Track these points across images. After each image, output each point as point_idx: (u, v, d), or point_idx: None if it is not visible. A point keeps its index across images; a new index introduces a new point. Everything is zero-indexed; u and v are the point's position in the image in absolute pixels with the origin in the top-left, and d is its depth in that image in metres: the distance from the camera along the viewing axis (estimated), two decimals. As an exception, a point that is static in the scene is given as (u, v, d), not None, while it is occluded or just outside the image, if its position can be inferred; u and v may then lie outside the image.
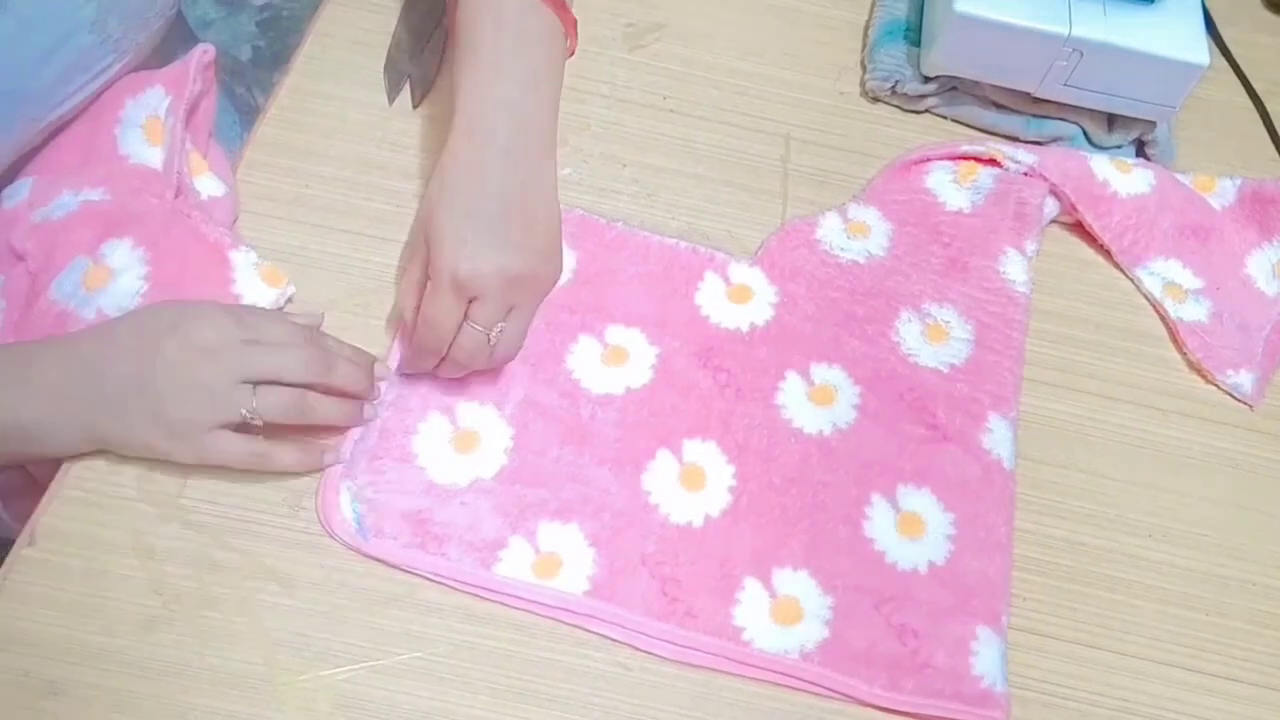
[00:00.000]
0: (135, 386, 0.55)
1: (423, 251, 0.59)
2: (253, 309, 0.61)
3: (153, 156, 0.65)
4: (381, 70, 0.76)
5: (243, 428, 0.56)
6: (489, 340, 0.59)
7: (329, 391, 0.59)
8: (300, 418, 0.58)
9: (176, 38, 0.77)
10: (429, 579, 0.58)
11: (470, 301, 0.58)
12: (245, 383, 0.56)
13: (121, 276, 0.61)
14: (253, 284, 0.63)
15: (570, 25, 0.64)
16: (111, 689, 0.54)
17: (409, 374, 0.63)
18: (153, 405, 0.55)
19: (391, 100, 0.75)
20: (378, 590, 0.58)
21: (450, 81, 0.63)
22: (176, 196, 0.64)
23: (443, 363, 0.61)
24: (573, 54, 0.66)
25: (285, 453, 0.58)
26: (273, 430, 0.57)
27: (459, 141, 0.60)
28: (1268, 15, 0.93)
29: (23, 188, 0.65)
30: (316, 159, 0.71)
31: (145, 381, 0.55)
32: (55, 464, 0.59)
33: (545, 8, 0.62)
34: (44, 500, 0.58)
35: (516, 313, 0.60)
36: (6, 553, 0.57)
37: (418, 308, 0.60)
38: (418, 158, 0.72)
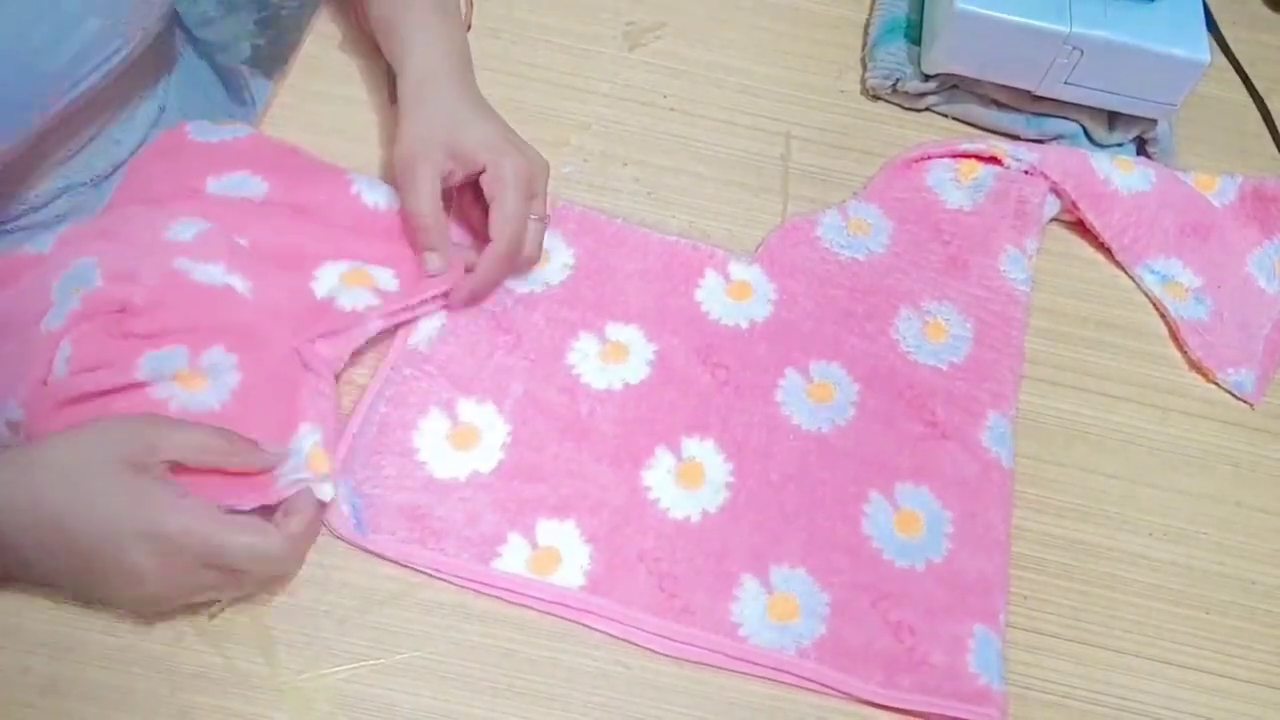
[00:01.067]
0: (90, 577, 0.52)
1: (435, 171, 0.63)
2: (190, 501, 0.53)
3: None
4: (381, 70, 0.76)
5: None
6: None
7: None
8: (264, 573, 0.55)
9: (168, 31, 0.77)
10: (427, 575, 0.58)
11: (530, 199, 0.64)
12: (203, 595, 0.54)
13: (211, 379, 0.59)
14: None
15: None
16: (111, 687, 0.54)
17: (473, 299, 0.65)
18: (106, 596, 0.54)
19: (392, 100, 0.75)
20: (378, 589, 0.58)
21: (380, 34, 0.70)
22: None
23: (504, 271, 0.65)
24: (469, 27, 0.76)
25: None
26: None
27: (431, 65, 0.67)
28: (1268, 13, 0.93)
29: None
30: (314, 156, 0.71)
31: (95, 581, 0.53)
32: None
33: None
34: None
35: (544, 200, 0.66)
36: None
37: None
38: (418, 156, 0.72)
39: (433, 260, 0.64)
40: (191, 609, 0.55)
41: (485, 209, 0.64)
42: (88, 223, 0.63)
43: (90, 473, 0.51)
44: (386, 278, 0.65)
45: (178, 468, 0.53)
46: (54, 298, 0.59)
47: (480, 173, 0.64)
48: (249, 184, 0.66)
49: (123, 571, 0.51)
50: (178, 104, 0.78)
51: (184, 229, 0.61)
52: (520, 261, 0.65)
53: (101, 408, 0.56)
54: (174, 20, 0.79)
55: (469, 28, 0.76)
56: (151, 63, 0.75)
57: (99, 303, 0.58)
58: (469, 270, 0.64)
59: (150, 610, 0.54)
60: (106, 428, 0.54)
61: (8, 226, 0.70)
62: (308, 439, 0.58)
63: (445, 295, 0.65)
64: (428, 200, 0.63)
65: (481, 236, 0.66)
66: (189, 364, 0.58)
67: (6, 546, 0.51)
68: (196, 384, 0.58)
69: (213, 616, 0.55)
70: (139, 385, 0.57)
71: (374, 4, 0.71)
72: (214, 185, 0.66)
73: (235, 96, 0.87)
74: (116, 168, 0.73)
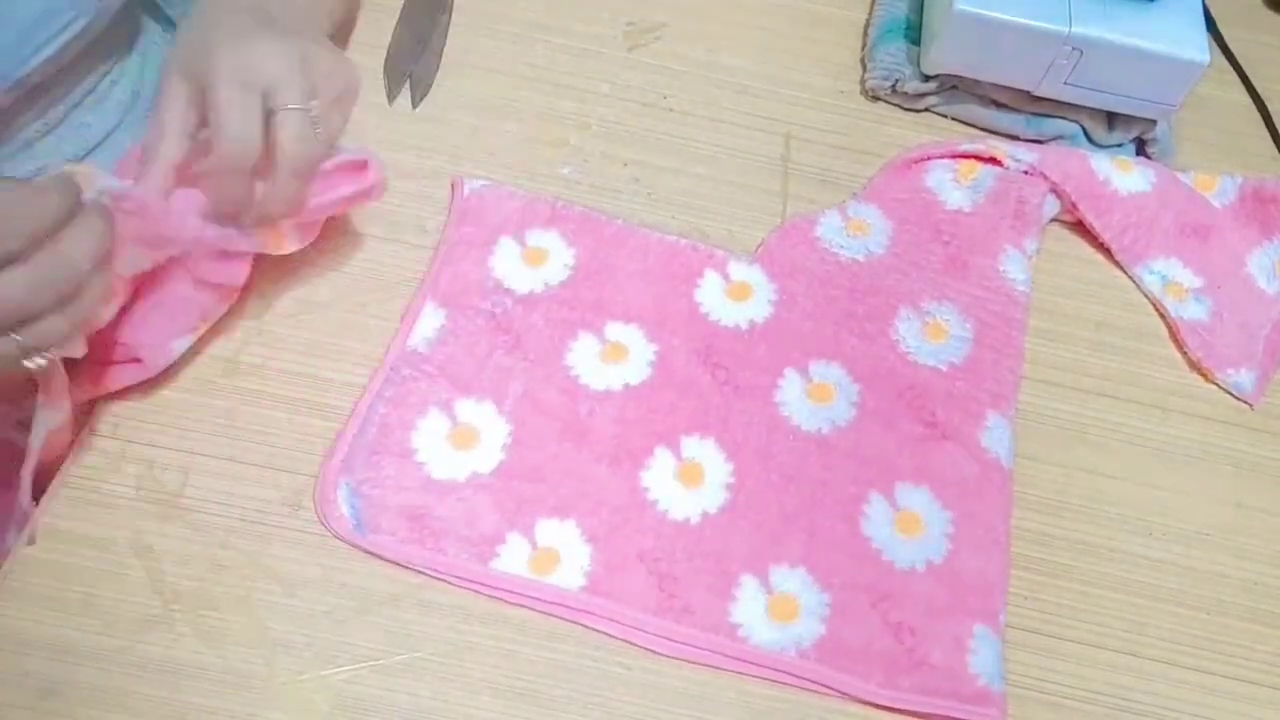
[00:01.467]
0: None
1: (183, 97, 0.55)
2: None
3: None
4: (381, 70, 0.76)
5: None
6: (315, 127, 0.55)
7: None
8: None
9: (133, 10, 0.76)
10: (427, 575, 0.58)
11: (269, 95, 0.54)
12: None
13: None
14: None
15: None
16: (111, 689, 0.54)
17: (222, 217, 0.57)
18: None
19: (391, 100, 0.75)
20: (378, 590, 0.58)
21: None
22: None
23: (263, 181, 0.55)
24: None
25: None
26: None
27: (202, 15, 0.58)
28: (1268, 14, 0.93)
29: None
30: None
31: None
32: (51, 462, 0.59)
33: None
34: (44, 499, 0.58)
35: (302, 93, 0.55)
36: (7, 553, 0.57)
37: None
38: (417, 157, 0.72)
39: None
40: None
41: None
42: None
43: None
44: None
45: None
46: None
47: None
48: None
49: None
50: (154, 89, 0.77)
51: None
52: (284, 163, 0.55)
53: None
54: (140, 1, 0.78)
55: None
56: (117, 40, 0.74)
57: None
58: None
59: None
60: None
61: None
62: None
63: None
64: (175, 119, 0.55)
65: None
66: None
67: None
68: None
69: (40, 367, 0.50)
70: None
71: None
72: None
73: None
74: (89, 151, 0.73)
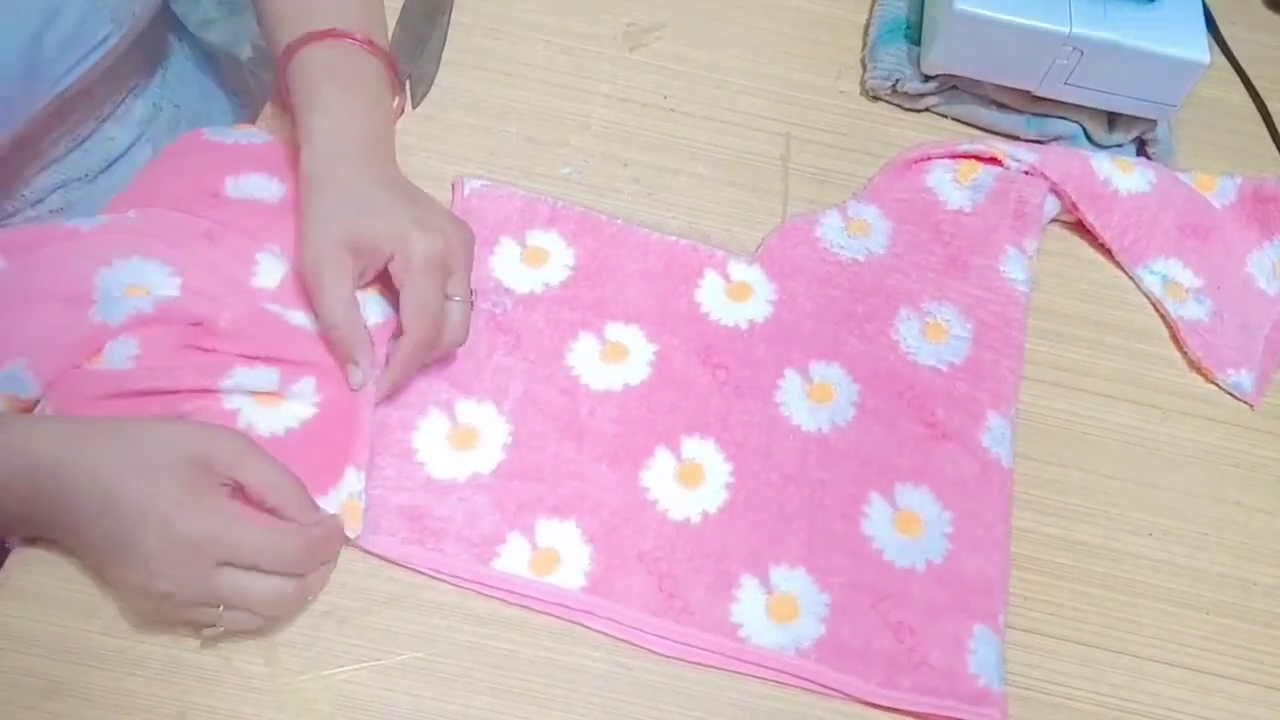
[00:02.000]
0: (105, 554, 0.53)
1: (341, 274, 0.59)
2: (237, 514, 0.53)
3: None
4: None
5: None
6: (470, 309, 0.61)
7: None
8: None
9: (159, 25, 0.77)
10: (427, 576, 0.58)
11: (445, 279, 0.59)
12: (206, 604, 0.52)
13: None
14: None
15: (396, 80, 0.68)
16: (112, 689, 0.53)
17: (394, 392, 0.61)
18: (115, 578, 0.53)
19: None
20: (378, 590, 0.58)
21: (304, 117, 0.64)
22: None
23: (432, 354, 0.61)
24: (401, 113, 0.72)
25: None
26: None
27: (329, 150, 0.61)
28: (1268, 14, 0.93)
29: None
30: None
31: (111, 557, 0.52)
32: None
33: (371, 57, 0.66)
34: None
35: (465, 276, 0.61)
36: (7, 553, 0.57)
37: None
38: (417, 158, 0.72)
39: (355, 374, 0.59)
40: (191, 624, 0.54)
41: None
42: (127, 217, 0.63)
43: (154, 449, 0.52)
44: None
45: (237, 493, 0.54)
46: (98, 284, 0.59)
47: (390, 259, 0.60)
48: (266, 186, 0.67)
49: (136, 554, 0.51)
50: (173, 102, 0.78)
51: (267, 274, 0.62)
52: (443, 346, 0.61)
53: (164, 405, 0.57)
54: (165, 14, 0.79)
55: (400, 114, 0.72)
56: (142, 57, 0.75)
57: (176, 313, 0.59)
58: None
59: (151, 607, 0.53)
60: (196, 426, 0.55)
61: (2, 224, 0.70)
62: (348, 488, 0.58)
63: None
64: (340, 310, 0.59)
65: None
66: (279, 386, 0.59)
67: (53, 498, 0.52)
68: (274, 403, 0.58)
69: (206, 642, 0.54)
70: (212, 391, 0.58)
71: (287, 79, 0.65)
72: (232, 187, 0.66)
73: (238, 97, 0.87)
74: (111, 164, 0.73)
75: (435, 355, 0.61)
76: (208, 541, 0.51)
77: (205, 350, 0.59)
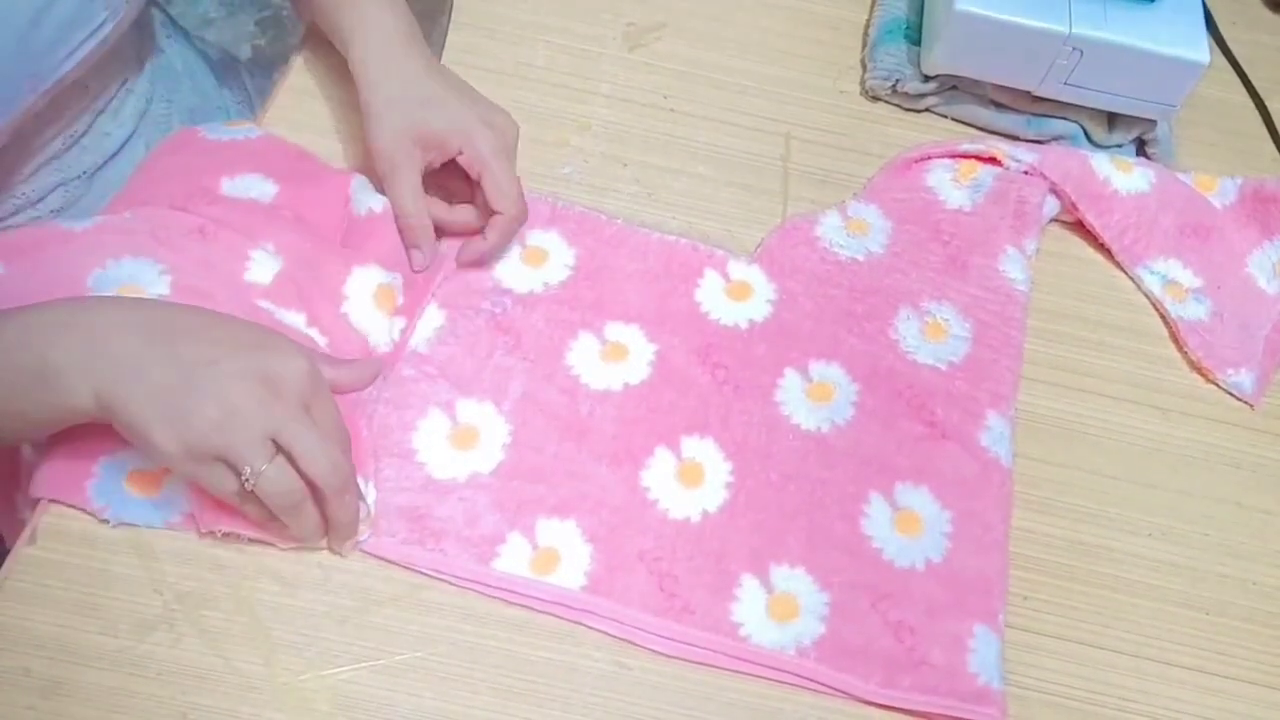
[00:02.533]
0: (181, 374, 0.51)
1: (413, 167, 0.65)
2: (323, 380, 0.55)
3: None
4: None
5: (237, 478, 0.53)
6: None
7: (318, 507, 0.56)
8: (284, 515, 0.54)
9: (145, 17, 0.78)
10: (427, 576, 0.58)
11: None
12: (270, 440, 0.52)
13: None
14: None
15: None
16: (111, 688, 0.53)
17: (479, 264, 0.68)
18: (180, 400, 0.51)
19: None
20: (378, 590, 0.58)
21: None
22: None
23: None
24: None
25: (279, 530, 0.56)
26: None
27: (385, 37, 0.67)
28: (1268, 14, 0.93)
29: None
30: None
31: (192, 376, 0.51)
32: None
33: None
34: (45, 499, 0.58)
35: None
36: (7, 552, 0.57)
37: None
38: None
39: (418, 257, 0.66)
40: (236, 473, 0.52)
41: (463, 175, 0.66)
42: (124, 217, 0.63)
43: (228, 322, 0.55)
44: (398, 286, 0.65)
45: None
46: (91, 285, 0.59)
47: (458, 153, 0.65)
48: (260, 186, 0.67)
49: (244, 367, 0.52)
50: (165, 97, 0.78)
51: (261, 271, 0.62)
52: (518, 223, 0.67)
53: None
54: (152, 9, 0.79)
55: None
56: (132, 51, 0.75)
57: None
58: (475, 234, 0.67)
59: (217, 430, 0.51)
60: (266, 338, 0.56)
61: (6, 223, 0.70)
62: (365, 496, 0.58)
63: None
64: (410, 200, 0.65)
65: (460, 198, 0.68)
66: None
67: (106, 346, 0.51)
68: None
69: (247, 483, 0.52)
70: None
71: None
72: (227, 185, 0.66)
73: (235, 95, 0.87)
74: (107, 161, 0.73)
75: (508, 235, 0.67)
76: (314, 386, 0.54)
77: None
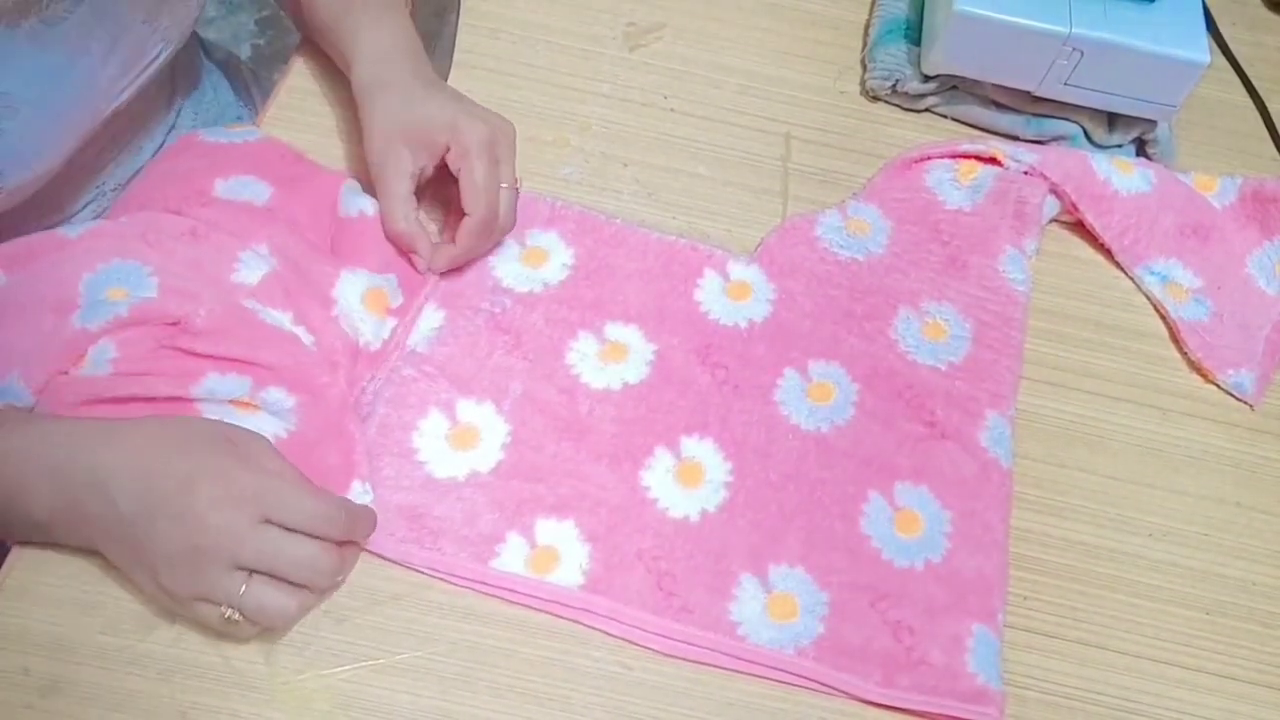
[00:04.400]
0: (140, 528, 0.52)
1: (403, 172, 0.64)
2: (284, 473, 0.55)
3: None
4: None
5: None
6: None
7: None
8: (284, 624, 0.55)
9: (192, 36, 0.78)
10: (427, 575, 0.58)
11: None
12: (240, 569, 0.52)
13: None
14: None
15: None
16: (111, 687, 0.54)
17: (453, 267, 0.67)
18: (148, 557, 0.52)
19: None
20: (378, 589, 0.58)
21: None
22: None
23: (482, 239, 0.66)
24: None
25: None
26: None
27: (380, 56, 0.67)
28: (1268, 14, 0.93)
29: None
30: (315, 159, 0.71)
31: (148, 529, 0.52)
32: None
33: None
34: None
35: (510, 165, 0.67)
36: (7, 552, 0.57)
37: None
38: (418, 157, 0.72)
39: (419, 262, 0.66)
40: (217, 601, 0.52)
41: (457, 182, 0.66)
42: (119, 222, 0.63)
43: (192, 432, 0.55)
44: (393, 287, 0.65)
45: None
46: (82, 290, 0.59)
47: (446, 150, 0.65)
48: (254, 188, 0.67)
49: (182, 514, 0.51)
50: (192, 108, 0.79)
51: (249, 271, 0.62)
52: (496, 229, 0.66)
53: (142, 412, 0.57)
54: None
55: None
56: (173, 71, 0.76)
57: (152, 313, 0.59)
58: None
59: (184, 574, 0.51)
60: (221, 423, 0.56)
61: None
62: (361, 499, 0.58)
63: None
64: (400, 206, 0.65)
65: (458, 210, 0.66)
66: (250, 394, 0.59)
67: (80, 488, 0.52)
68: (251, 412, 0.59)
69: (225, 623, 0.53)
70: (189, 400, 0.58)
71: (317, 7, 0.71)
72: (221, 187, 0.66)
73: (239, 96, 0.87)
74: (137, 172, 0.74)
75: (491, 239, 0.67)
76: (258, 494, 0.52)
77: (182, 351, 0.59)
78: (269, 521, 0.52)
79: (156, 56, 0.67)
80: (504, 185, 0.65)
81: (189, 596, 0.52)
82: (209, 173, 0.67)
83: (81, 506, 0.53)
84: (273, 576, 0.52)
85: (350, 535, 0.55)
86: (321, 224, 0.67)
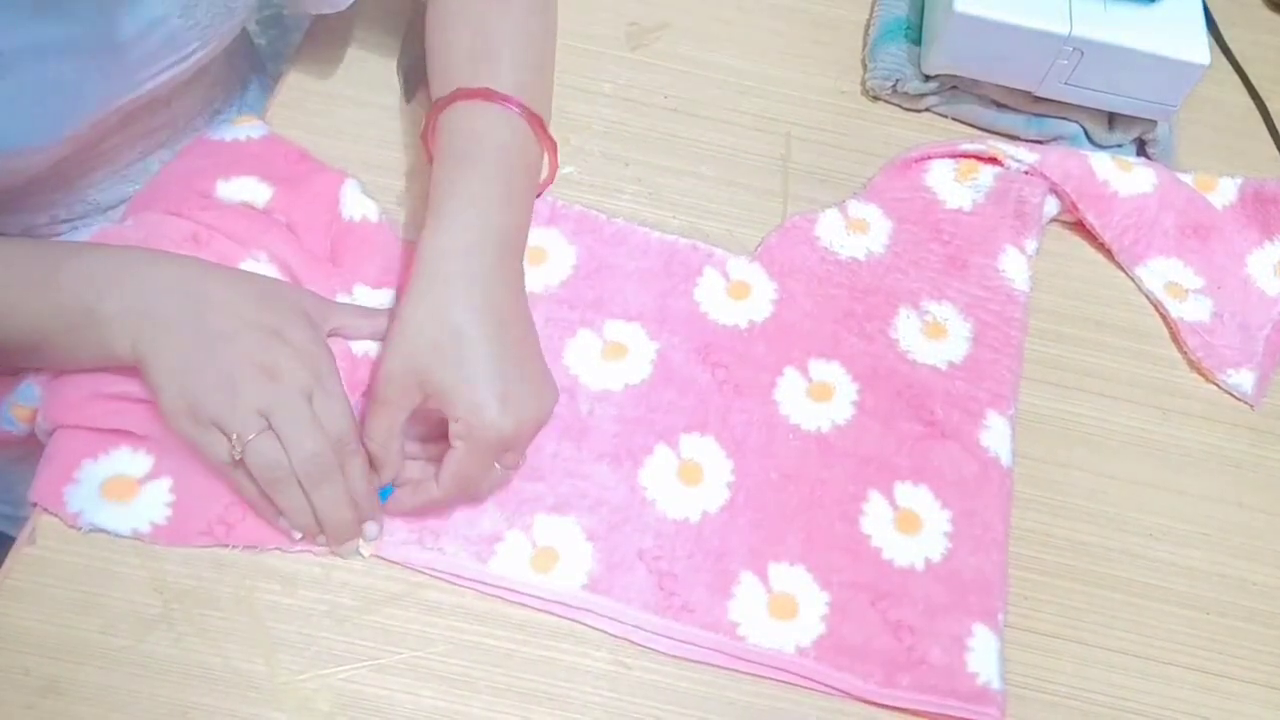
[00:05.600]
0: (200, 343, 0.55)
1: (406, 399, 0.57)
2: (334, 378, 0.57)
3: None
4: (381, 70, 0.76)
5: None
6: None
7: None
8: (270, 490, 0.55)
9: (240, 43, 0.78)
10: (427, 574, 0.58)
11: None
12: (262, 416, 0.54)
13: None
14: None
15: (551, 150, 0.65)
16: (111, 688, 0.54)
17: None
18: (192, 366, 0.55)
19: (409, 100, 0.75)
20: (378, 589, 0.58)
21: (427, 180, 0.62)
22: None
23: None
24: (552, 180, 0.68)
25: (265, 507, 0.56)
26: None
27: (444, 251, 0.58)
28: (1268, 14, 0.93)
29: None
30: (316, 157, 0.71)
31: (210, 346, 0.55)
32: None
33: (530, 129, 0.62)
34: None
35: (523, 450, 0.59)
36: (7, 551, 0.57)
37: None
38: (418, 157, 0.72)
39: (375, 480, 0.58)
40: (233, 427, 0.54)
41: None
42: (123, 226, 0.64)
43: (257, 300, 0.58)
44: (389, 302, 0.65)
45: None
46: None
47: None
48: (255, 189, 0.67)
49: (257, 321, 0.56)
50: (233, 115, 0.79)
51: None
52: (465, 501, 0.60)
53: (142, 409, 0.58)
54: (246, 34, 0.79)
55: (552, 180, 0.67)
56: (222, 76, 0.76)
57: None
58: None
59: (215, 387, 0.54)
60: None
61: (75, 224, 0.70)
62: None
63: None
64: (383, 433, 0.57)
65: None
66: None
67: (148, 306, 0.56)
68: None
69: (234, 456, 0.54)
70: None
71: (434, 133, 0.63)
72: (223, 187, 0.66)
73: (256, 77, 0.87)
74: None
75: (453, 506, 0.60)
76: (317, 365, 0.57)
77: None
78: (308, 397, 0.55)
79: (191, 53, 0.65)
80: (502, 468, 0.58)
81: (208, 416, 0.54)
82: (211, 172, 0.67)
83: (153, 306, 0.56)
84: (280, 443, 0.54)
85: (347, 463, 0.56)
86: (319, 227, 0.67)
